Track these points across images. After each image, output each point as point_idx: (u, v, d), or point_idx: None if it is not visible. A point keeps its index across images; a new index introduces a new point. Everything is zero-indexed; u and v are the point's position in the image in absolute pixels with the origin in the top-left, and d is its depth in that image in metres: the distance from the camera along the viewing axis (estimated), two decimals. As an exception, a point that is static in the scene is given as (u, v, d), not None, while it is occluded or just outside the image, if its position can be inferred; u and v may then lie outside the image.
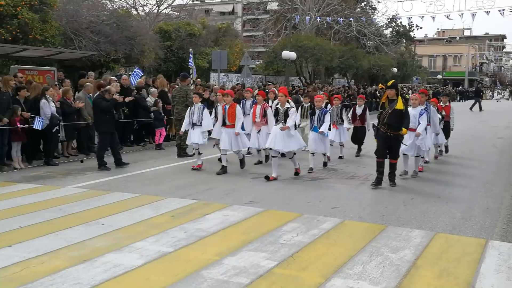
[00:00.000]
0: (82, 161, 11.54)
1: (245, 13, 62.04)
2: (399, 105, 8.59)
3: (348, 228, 6.48)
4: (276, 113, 9.73)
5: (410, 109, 9.41)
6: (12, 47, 13.50)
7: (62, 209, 7.07)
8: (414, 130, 9.57)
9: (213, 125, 10.58)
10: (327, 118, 10.23)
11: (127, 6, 31.01)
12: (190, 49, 19.01)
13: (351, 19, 35.14)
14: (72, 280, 4.55)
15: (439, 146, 12.49)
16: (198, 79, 19.70)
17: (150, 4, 62.10)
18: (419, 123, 9.67)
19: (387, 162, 8.95)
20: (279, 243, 5.69)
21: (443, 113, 12.33)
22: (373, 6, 45.21)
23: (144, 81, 15.31)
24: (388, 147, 8.80)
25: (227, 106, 10.19)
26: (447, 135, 12.50)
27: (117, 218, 6.70)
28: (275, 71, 34.17)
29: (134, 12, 30.92)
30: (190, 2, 40.98)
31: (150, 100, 13.86)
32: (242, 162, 10.68)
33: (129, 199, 7.84)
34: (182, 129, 11.10)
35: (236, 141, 10.19)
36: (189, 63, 18.07)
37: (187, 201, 7.65)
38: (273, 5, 42.11)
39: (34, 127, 10.34)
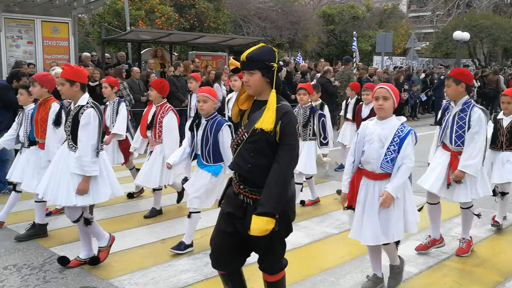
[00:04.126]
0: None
1: (412, -8, 59.02)
2: None
3: (531, 226, 5.84)
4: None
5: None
6: (190, 35, 14.78)
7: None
8: None
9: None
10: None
11: (291, -9, 31.68)
12: (354, 32, 18.75)
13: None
14: (244, 251, 4.85)
15: None
16: (360, 63, 19.38)
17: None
18: None
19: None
20: (450, 235, 5.36)
21: None
22: None
23: (307, 65, 15.55)
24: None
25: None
26: None
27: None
28: (444, 54, 31.95)
29: (299, -4, 31.46)
30: (354, -16, 40.27)
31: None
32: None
33: (293, 180, 8.07)
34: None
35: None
36: (353, 46, 17.85)
37: (350, 185, 7.59)
38: (444, -17, 39.20)
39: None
